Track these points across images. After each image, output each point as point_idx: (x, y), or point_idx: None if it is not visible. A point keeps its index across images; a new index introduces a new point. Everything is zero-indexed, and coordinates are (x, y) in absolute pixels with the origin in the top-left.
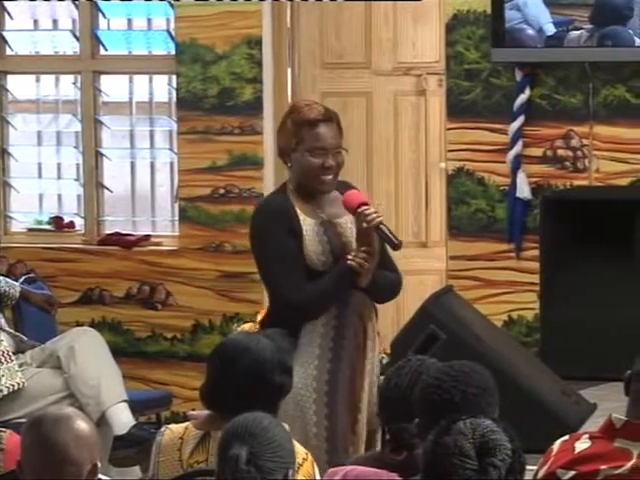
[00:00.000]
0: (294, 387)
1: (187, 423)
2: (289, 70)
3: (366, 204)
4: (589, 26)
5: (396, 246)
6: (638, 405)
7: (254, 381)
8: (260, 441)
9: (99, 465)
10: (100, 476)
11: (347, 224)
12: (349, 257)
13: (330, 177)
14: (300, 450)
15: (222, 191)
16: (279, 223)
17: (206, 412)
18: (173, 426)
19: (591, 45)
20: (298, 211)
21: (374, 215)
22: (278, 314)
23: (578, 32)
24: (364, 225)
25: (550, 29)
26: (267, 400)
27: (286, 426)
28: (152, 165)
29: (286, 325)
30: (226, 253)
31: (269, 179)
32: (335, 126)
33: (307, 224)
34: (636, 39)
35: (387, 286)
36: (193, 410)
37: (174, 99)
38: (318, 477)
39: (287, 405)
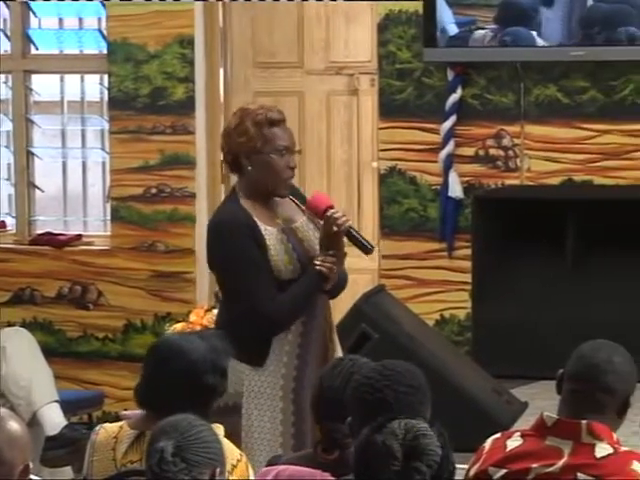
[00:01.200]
0: (262, 396)
1: (122, 422)
2: (221, 69)
3: (332, 207)
4: (493, 26)
5: (369, 250)
6: (569, 404)
7: (187, 381)
8: (186, 436)
9: (31, 466)
10: (32, 476)
11: (304, 227)
12: (316, 262)
13: (290, 180)
14: (234, 452)
15: (154, 190)
16: (242, 235)
17: (138, 412)
18: (108, 425)
19: (494, 45)
20: (257, 221)
21: (344, 219)
22: (249, 327)
23: (482, 32)
24: (334, 229)
25: (453, 29)
26: (199, 401)
27: (221, 430)
28: (84, 165)
29: (256, 338)
30: (158, 253)
31: (201, 178)
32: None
33: (269, 233)
34: (538, 39)
35: (341, 284)
36: (125, 410)
37: (106, 98)
38: (252, 478)
39: (253, 415)
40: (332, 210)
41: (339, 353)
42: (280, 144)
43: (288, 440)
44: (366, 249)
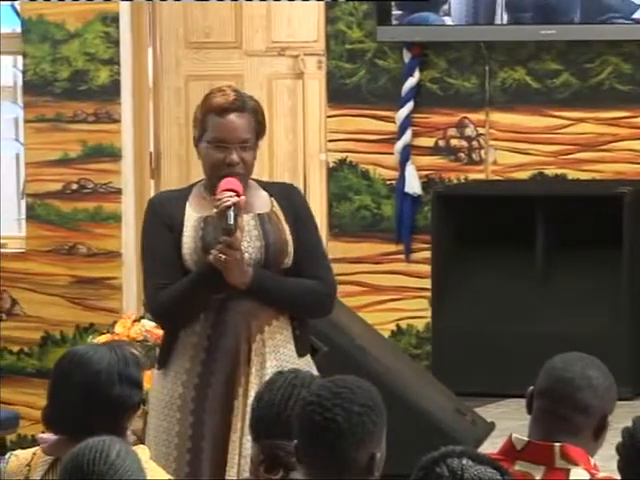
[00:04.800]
0: (160, 403)
1: (35, 448)
2: (150, 50)
3: (233, 191)
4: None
5: (225, 229)
6: (541, 424)
7: (89, 395)
8: (105, 466)
9: None
10: None
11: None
12: (212, 251)
13: (231, 175)
14: (161, 476)
15: (75, 186)
16: (155, 217)
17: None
18: (19, 452)
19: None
20: (187, 205)
21: (226, 198)
22: None
23: None
24: (214, 211)
25: None
26: (108, 416)
27: (146, 452)
28: None
29: (162, 327)
30: (80, 256)
31: (128, 172)
32: (249, 118)
33: (190, 219)
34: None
35: (296, 295)
36: (43, 433)
37: (20, 83)
38: None
39: (152, 424)
40: (223, 193)
41: (268, 375)
42: (214, 135)
43: (183, 454)
44: (225, 227)
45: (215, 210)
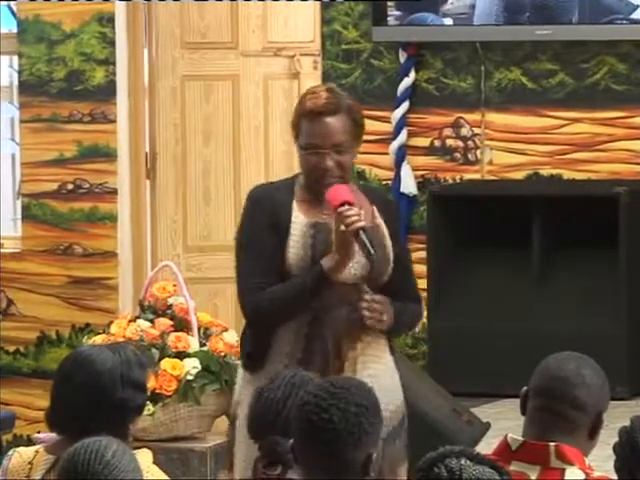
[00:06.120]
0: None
1: (38, 447)
2: (146, 51)
3: (350, 203)
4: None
5: (370, 257)
6: (536, 423)
7: (92, 397)
8: (99, 466)
9: None
10: None
11: None
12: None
13: (330, 180)
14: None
15: (71, 186)
16: (259, 213)
17: (54, 434)
18: (22, 449)
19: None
20: (295, 206)
21: (355, 218)
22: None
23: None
24: (341, 228)
25: None
26: (112, 418)
27: (149, 455)
28: None
29: (251, 335)
30: (75, 256)
31: (124, 172)
32: (345, 119)
33: (297, 222)
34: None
35: (412, 323)
36: (39, 433)
37: (16, 83)
38: None
39: (243, 429)
40: (346, 207)
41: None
42: (307, 141)
43: None
44: (368, 255)
45: (343, 228)
